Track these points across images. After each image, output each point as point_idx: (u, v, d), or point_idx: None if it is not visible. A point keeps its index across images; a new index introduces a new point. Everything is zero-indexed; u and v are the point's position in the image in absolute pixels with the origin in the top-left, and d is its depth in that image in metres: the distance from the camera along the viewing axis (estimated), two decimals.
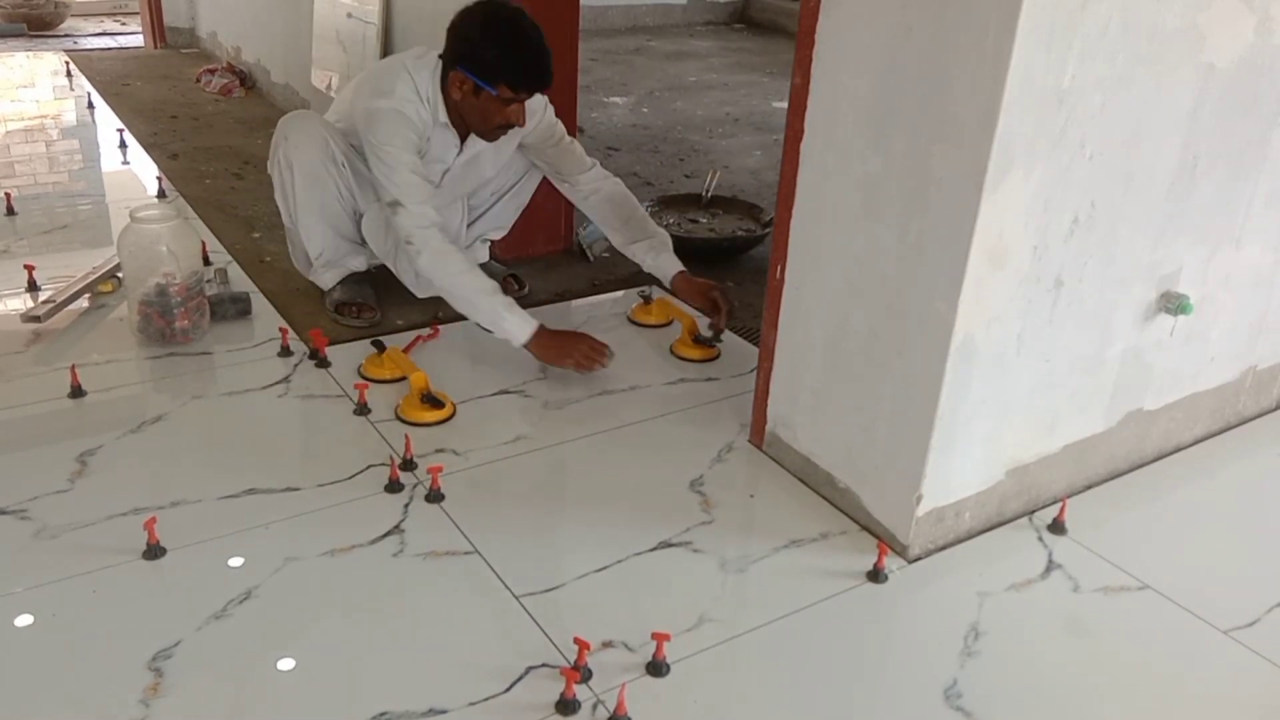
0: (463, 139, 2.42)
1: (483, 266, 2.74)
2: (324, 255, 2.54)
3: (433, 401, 2.17)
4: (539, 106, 2.46)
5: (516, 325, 2.24)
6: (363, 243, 2.57)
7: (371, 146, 2.28)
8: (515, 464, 2.06)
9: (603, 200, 2.56)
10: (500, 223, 2.73)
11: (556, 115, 2.58)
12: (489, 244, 2.80)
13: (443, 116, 2.35)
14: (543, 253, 3.01)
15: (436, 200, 2.45)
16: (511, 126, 2.32)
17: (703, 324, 2.55)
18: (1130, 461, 2.14)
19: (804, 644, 1.63)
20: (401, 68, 2.32)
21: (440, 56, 2.30)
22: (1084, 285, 1.79)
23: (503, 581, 1.71)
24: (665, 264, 2.51)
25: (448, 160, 2.43)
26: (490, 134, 2.36)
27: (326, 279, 2.60)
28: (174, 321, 2.36)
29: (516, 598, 1.67)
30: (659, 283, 2.68)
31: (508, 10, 2.23)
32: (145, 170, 3.68)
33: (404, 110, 2.27)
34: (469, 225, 2.68)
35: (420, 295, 2.58)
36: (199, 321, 2.43)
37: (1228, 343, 2.20)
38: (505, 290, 2.71)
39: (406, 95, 2.28)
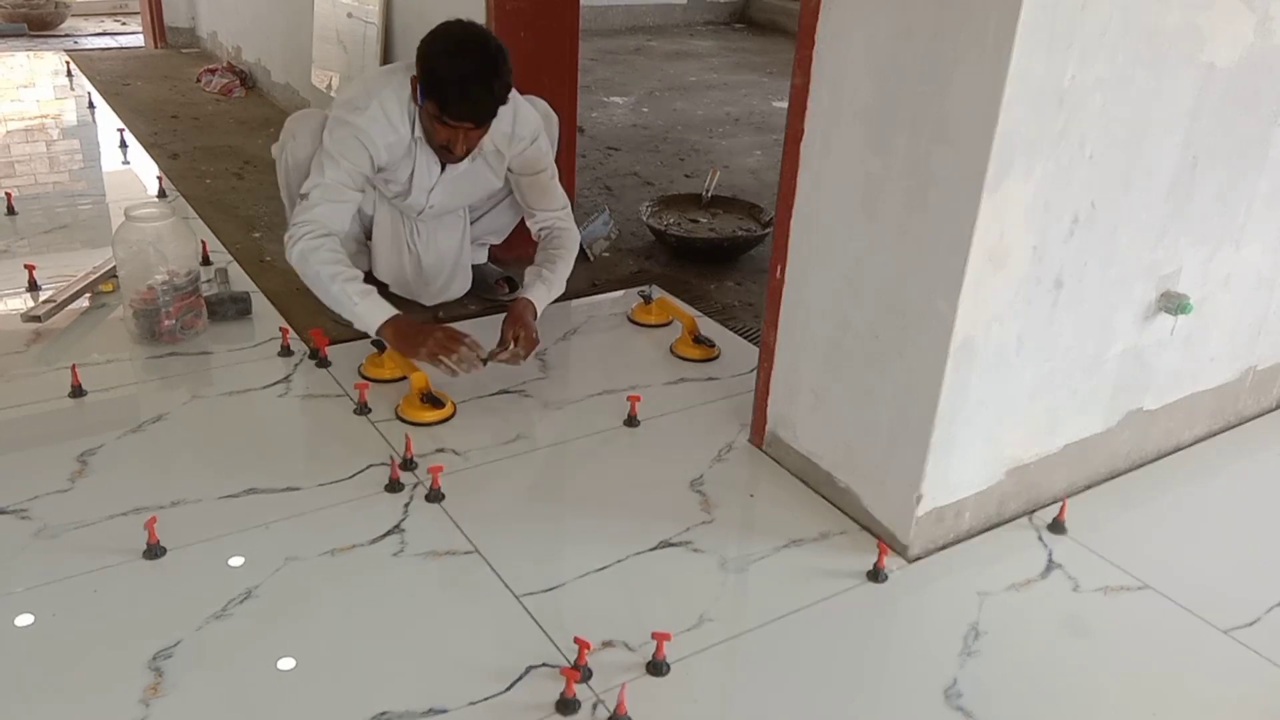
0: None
1: (480, 268, 2.74)
2: None
3: (433, 401, 2.17)
4: (527, 135, 2.40)
5: (368, 311, 2.16)
6: (365, 239, 2.57)
7: (324, 147, 2.26)
8: (515, 464, 2.06)
9: (542, 234, 2.48)
10: (498, 227, 2.72)
11: (560, 118, 2.57)
12: (487, 247, 2.79)
13: (419, 132, 2.30)
14: None
15: (434, 211, 2.45)
16: (450, 151, 2.26)
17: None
18: (1130, 461, 2.14)
19: (804, 644, 1.63)
20: (387, 83, 2.29)
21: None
22: (1084, 285, 1.79)
23: (503, 581, 1.71)
24: (527, 288, 2.35)
25: (432, 177, 2.40)
26: (439, 152, 2.31)
27: None
28: (160, 320, 2.36)
29: (516, 597, 1.68)
30: (656, 283, 2.68)
31: (466, 34, 2.17)
32: (146, 170, 3.68)
33: (369, 130, 2.23)
34: (471, 223, 2.67)
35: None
36: (191, 321, 2.43)
37: (1228, 343, 2.20)
38: (497, 292, 2.72)
39: (377, 115, 2.24)
